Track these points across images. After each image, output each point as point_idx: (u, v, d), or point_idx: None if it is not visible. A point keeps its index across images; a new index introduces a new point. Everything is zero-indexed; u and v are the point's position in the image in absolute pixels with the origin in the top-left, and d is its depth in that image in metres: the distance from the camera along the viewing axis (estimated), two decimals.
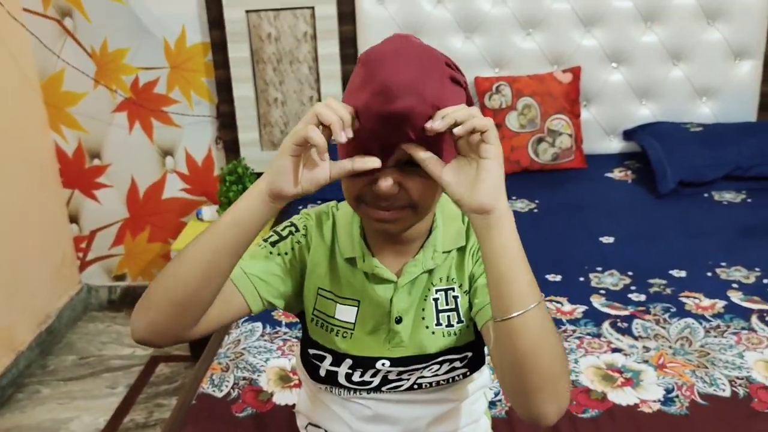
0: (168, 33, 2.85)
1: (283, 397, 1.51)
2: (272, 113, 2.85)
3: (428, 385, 1.06)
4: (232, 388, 1.55)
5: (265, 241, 1.04)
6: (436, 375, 1.05)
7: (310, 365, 1.07)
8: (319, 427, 1.12)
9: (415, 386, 1.06)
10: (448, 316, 1.03)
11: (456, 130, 0.81)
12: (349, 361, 1.04)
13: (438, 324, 1.03)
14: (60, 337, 3.00)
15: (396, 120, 0.83)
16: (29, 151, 2.88)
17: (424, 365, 1.03)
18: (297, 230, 1.05)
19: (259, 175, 2.79)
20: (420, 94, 0.83)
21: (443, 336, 1.03)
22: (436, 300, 1.03)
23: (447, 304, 1.03)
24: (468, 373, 1.07)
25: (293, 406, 1.40)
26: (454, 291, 1.03)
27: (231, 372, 1.60)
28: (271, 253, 1.03)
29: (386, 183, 0.88)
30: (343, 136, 0.84)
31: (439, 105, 0.84)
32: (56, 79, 2.93)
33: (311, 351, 1.07)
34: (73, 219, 3.17)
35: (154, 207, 3.13)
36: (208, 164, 3.05)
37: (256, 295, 1.00)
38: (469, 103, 0.92)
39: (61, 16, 2.85)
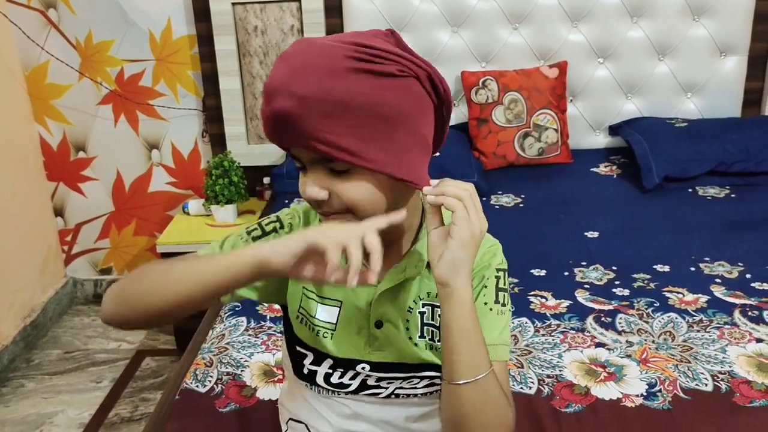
0: (153, 25, 2.83)
1: (266, 392, 1.51)
2: (258, 106, 2.84)
3: (406, 396, 1.05)
4: (216, 383, 1.54)
5: (248, 234, 1.02)
6: (415, 388, 1.04)
7: (295, 361, 1.07)
8: (300, 422, 1.12)
9: (393, 396, 1.05)
10: (432, 332, 1.02)
11: (428, 198, 0.88)
12: (329, 361, 1.03)
13: (422, 336, 1.02)
14: (45, 330, 2.98)
15: (278, 121, 0.83)
16: (13, 143, 2.86)
17: (404, 376, 1.02)
18: (282, 227, 1.03)
19: (245, 168, 2.79)
20: (297, 94, 0.81)
21: (425, 348, 1.02)
22: (422, 313, 1.02)
23: (432, 320, 1.02)
24: None
25: (277, 400, 1.40)
26: (440, 309, 1.00)
27: (215, 367, 1.60)
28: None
29: (311, 190, 0.87)
30: (354, 282, 0.79)
31: (334, 101, 0.81)
32: (40, 71, 2.90)
33: (297, 348, 1.06)
34: (58, 212, 3.15)
35: (140, 200, 3.12)
36: (194, 158, 3.03)
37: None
38: (444, 101, 0.91)
39: (45, 7, 2.82)
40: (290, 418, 1.14)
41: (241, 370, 1.58)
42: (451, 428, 0.91)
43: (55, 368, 2.75)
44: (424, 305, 1.02)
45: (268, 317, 1.81)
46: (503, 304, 1.00)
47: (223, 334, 1.74)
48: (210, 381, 1.55)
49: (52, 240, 3.13)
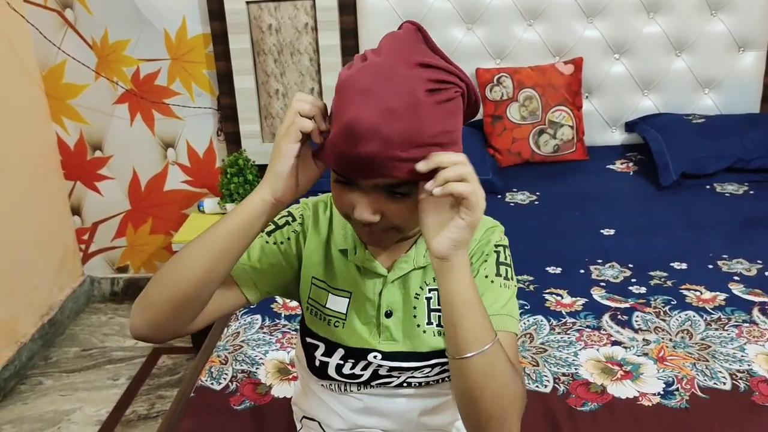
0: (169, 24, 2.84)
1: (281, 389, 1.51)
2: (273, 105, 2.84)
3: (418, 384, 1.05)
4: (231, 380, 1.55)
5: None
6: (427, 376, 1.05)
7: (307, 353, 1.08)
8: (313, 419, 1.12)
9: (405, 384, 1.05)
10: (439, 316, 1.02)
11: (435, 191, 0.81)
12: (341, 351, 1.04)
13: (429, 323, 1.03)
14: (63, 328, 3.01)
15: (359, 162, 0.83)
16: (31, 143, 2.88)
17: (416, 365, 1.03)
18: (294, 219, 1.06)
19: (260, 167, 2.80)
20: (385, 138, 0.80)
21: (434, 335, 1.03)
22: (428, 299, 1.03)
23: (439, 305, 1.01)
24: None
25: (291, 398, 1.40)
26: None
27: (230, 365, 1.60)
28: (267, 242, 1.03)
29: (365, 215, 0.88)
30: (325, 124, 0.86)
31: (416, 141, 0.82)
32: (57, 71, 2.93)
33: (307, 339, 1.07)
34: (75, 211, 3.17)
35: (156, 199, 3.13)
36: (209, 156, 3.04)
37: (253, 287, 1.02)
38: (472, 108, 0.90)
39: (62, 7, 2.84)
40: (303, 416, 1.14)
41: (256, 368, 1.59)
42: (462, 402, 0.90)
43: (73, 366, 2.77)
44: (430, 290, 1.03)
45: (282, 315, 1.82)
46: (506, 278, 1.00)
47: (238, 332, 1.74)
48: (225, 378, 1.55)
49: (70, 239, 3.15)
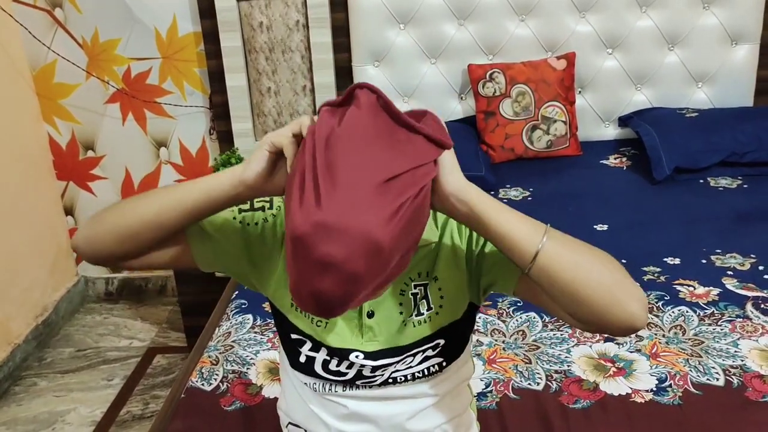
0: (159, 22, 2.83)
1: (272, 390, 1.50)
2: (265, 103, 2.83)
3: (403, 378, 1.04)
4: (221, 381, 1.54)
5: (237, 206, 1.03)
6: (410, 367, 1.04)
7: (292, 350, 1.06)
8: (299, 426, 1.11)
9: (390, 380, 1.04)
10: (419, 306, 1.03)
11: None
12: (325, 349, 1.03)
13: (417, 314, 1.03)
14: (57, 329, 3.00)
15: (333, 317, 0.84)
16: (23, 143, 2.87)
17: (397, 358, 1.02)
18: (270, 207, 1.04)
19: None
20: (356, 301, 0.81)
21: (413, 326, 1.02)
22: (415, 295, 1.02)
23: (425, 297, 1.03)
24: (444, 364, 1.06)
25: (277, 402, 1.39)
26: (429, 285, 1.03)
27: (220, 365, 1.60)
28: (234, 218, 1.02)
29: None
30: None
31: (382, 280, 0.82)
32: (48, 71, 2.91)
33: (292, 335, 1.06)
34: (69, 211, 3.16)
35: None
36: (202, 155, 3.03)
37: (205, 253, 1.02)
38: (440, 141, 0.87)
39: (52, 6, 2.82)
40: (289, 423, 1.13)
41: (247, 368, 1.58)
42: (570, 301, 0.86)
43: (67, 366, 2.76)
44: (416, 286, 1.02)
45: None
46: None
47: (230, 332, 1.73)
48: (216, 379, 1.55)
49: (63, 239, 3.14)
